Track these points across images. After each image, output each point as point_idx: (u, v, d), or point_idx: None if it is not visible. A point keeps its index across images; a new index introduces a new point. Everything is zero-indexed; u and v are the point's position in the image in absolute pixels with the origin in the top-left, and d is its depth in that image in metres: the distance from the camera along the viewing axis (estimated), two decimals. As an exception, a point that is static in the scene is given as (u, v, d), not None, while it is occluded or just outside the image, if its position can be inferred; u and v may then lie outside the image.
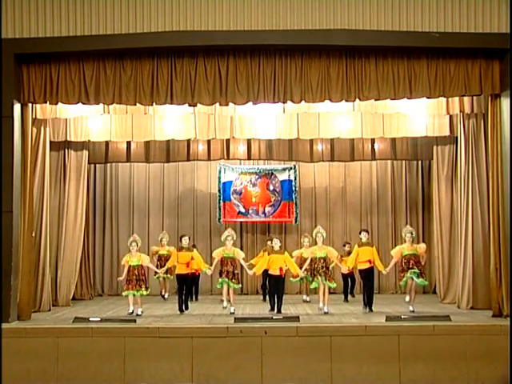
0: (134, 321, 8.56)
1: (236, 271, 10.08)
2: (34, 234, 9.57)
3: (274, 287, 9.93)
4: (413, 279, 9.66)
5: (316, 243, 10.13)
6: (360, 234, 10.30)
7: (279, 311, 9.60)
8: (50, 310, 10.24)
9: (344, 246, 11.53)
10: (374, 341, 7.81)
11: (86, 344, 7.88)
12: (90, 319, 8.44)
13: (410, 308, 9.72)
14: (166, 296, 11.57)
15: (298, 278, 10.48)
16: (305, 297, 11.39)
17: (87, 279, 12.23)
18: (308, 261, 10.12)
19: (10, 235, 8.66)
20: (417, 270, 9.62)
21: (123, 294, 9.86)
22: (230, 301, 10.04)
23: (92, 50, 8.88)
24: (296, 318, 8.44)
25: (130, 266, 9.73)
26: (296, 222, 12.88)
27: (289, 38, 8.79)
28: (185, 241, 10.22)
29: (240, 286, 10.50)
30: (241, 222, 12.98)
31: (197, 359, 7.80)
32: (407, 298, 10.06)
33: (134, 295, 9.66)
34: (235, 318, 8.46)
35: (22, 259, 9.03)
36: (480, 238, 9.89)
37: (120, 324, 8.34)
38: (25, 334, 8.04)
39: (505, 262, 8.85)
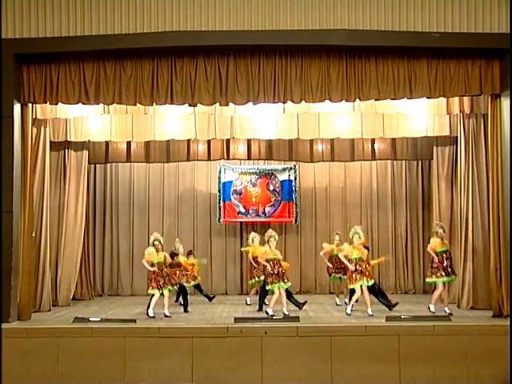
0: (134, 321, 8.56)
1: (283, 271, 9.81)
2: (34, 234, 9.56)
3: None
4: (444, 284, 9.55)
5: (352, 243, 9.80)
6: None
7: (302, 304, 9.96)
8: (50, 310, 10.23)
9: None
10: (374, 341, 7.80)
11: (86, 344, 7.87)
12: (90, 319, 8.43)
13: (446, 310, 9.41)
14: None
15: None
16: (338, 300, 10.90)
17: (87, 279, 12.23)
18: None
19: (9, 235, 8.65)
20: (453, 277, 9.60)
21: (160, 291, 9.50)
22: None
23: (92, 50, 8.87)
24: (296, 318, 8.44)
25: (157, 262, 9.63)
26: (296, 221, 12.88)
27: (289, 38, 8.77)
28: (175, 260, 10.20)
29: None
30: (241, 222, 12.98)
31: (197, 359, 7.79)
32: (432, 308, 9.52)
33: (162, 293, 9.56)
34: (235, 318, 8.47)
35: (21, 259, 9.02)
36: (480, 238, 9.89)
37: (120, 324, 8.33)
38: (25, 334, 8.04)
39: (505, 262, 8.84)
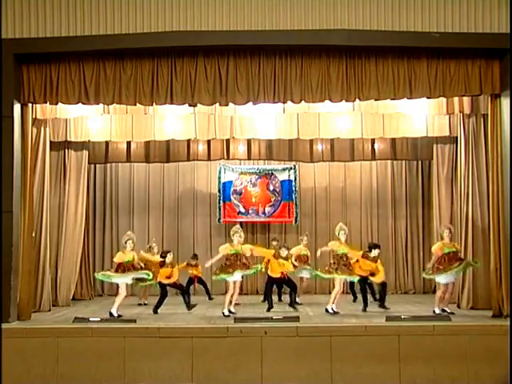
0: (134, 321, 8.56)
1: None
2: (34, 234, 9.56)
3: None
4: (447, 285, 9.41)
5: (339, 239, 9.81)
6: (370, 251, 10.11)
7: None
8: (50, 310, 10.23)
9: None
10: (373, 341, 7.81)
11: (86, 344, 7.87)
12: (90, 319, 8.44)
13: (447, 310, 9.32)
14: (146, 302, 11.08)
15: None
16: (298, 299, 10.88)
17: (87, 279, 12.23)
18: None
19: (10, 235, 8.65)
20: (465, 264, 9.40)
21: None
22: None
23: (92, 50, 8.87)
24: (296, 318, 8.44)
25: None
26: (296, 221, 12.88)
27: (289, 38, 8.78)
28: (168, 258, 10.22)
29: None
30: (241, 222, 12.93)
31: (197, 359, 7.80)
32: (437, 310, 9.36)
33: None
34: (235, 318, 8.47)
35: (21, 259, 9.03)
36: (480, 238, 9.89)
37: (120, 324, 8.35)
38: (25, 334, 8.04)
39: (505, 262, 8.84)
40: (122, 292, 9.45)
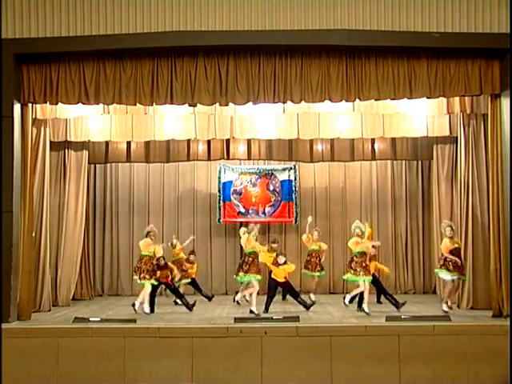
0: (134, 321, 8.56)
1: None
2: (34, 234, 9.56)
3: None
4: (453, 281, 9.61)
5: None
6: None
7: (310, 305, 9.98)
8: (50, 310, 10.23)
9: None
10: (373, 341, 7.80)
11: (86, 344, 7.87)
12: (90, 319, 8.43)
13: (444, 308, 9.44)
14: None
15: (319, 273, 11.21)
16: (313, 297, 11.03)
17: (87, 279, 12.22)
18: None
19: (10, 235, 8.65)
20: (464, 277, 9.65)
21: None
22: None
23: (92, 50, 8.87)
24: (296, 318, 8.44)
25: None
26: (296, 221, 12.88)
27: (289, 38, 8.78)
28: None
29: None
30: (241, 222, 12.96)
31: (197, 359, 7.80)
32: (444, 307, 9.53)
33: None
34: (235, 318, 8.47)
35: (22, 259, 9.03)
36: (480, 238, 9.89)
37: (120, 324, 8.33)
38: (25, 334, 8.04)
39: (505, 262, 8.85)
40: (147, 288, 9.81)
